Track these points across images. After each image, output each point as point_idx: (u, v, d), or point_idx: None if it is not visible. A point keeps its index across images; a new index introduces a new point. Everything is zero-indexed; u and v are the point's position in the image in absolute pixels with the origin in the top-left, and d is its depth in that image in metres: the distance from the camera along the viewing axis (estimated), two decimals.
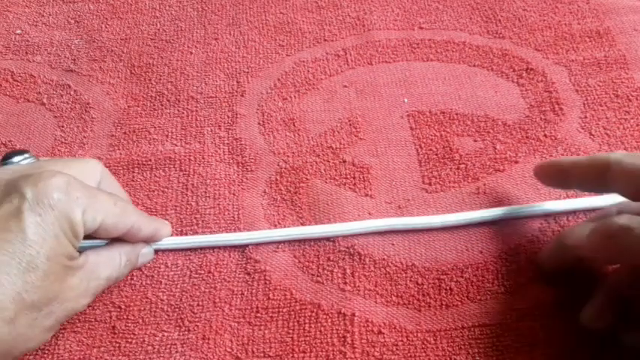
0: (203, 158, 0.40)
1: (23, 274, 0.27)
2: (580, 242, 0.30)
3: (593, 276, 0.33)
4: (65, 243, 0.28)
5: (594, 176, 0.31)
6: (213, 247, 0.36)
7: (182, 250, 0.36)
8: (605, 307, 0.30)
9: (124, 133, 0.42)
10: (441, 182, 0.38)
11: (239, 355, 0.32)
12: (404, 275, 0.34)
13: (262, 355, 0.32)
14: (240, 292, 0.34)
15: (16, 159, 0.33)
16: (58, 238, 0.28)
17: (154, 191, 0.38)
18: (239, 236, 0.36)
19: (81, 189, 0.29)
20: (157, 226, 0.35)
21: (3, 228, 0.27)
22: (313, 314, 0.33)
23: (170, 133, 0.42)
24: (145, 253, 0.35)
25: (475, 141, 0.40)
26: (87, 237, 0.30)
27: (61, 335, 0.32)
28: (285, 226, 0.36)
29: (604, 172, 0.30)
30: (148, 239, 0.34)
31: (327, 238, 0.35)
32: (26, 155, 0.33)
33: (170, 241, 0.36)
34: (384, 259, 0.35)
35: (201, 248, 0.36)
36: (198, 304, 0.34)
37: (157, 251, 0.35)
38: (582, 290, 0.33)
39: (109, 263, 0.32)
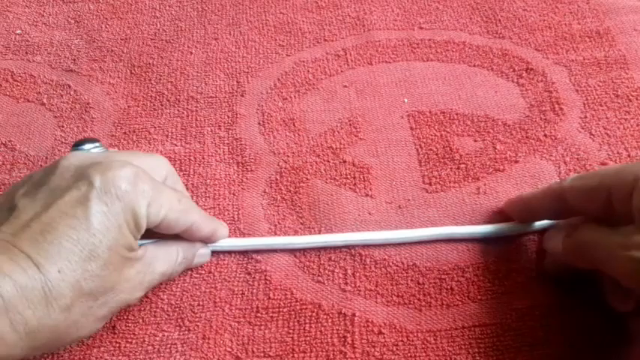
0: (203, 158, 0.40)
1: (84, 262, 0.27)
2: (557, 250, 0.31)
3: (592, 275, 0.33)
4: (127, 234, 0.28)
5: (555, 204, 0.31)
6: (268, 250, 0.35)
7: (237, 252, 0.35)
8: (626, 291, 0.30)
9: (124, 133, 0.42)
10: (441, 182, 0.38)
11: (239, 354, 0.32)
12: (405, 275, 0.34)
13: (262, 354, 0.32)
14: (240, 292, 0.34)
15: (87, 147, 0.33)
16: (122, 229, 0.28)
17: None
18: (296, 240, 0.35)
19: (148, 182, 0.29)
20: (215, 227, 0.34)
21: (69, 214, 0.27)
22: (314, 314, 0.33)
23: (170, 133, 0.41)
24: (203, 253, 0.34)
25: (475, 141, 0.40)
26: (146, 233, 0.30)
27: None
28: (284, 226, 0.36)
29: (561, 199, 0.31)
30: (207, 239, 0.34)
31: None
32: (97, 144, 0.33)
33: (226, 243, 0.35)
34: (384, 259, 0.35)
35: (255, 251, 0.35)
36: (198, 304, 0.34)
37: (213, 252, 0.35)
38: (582, 289, 0.33)
39: (165, 259, 0.32)
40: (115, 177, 0.28)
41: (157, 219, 0.30)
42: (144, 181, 0.29)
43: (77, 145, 0.33)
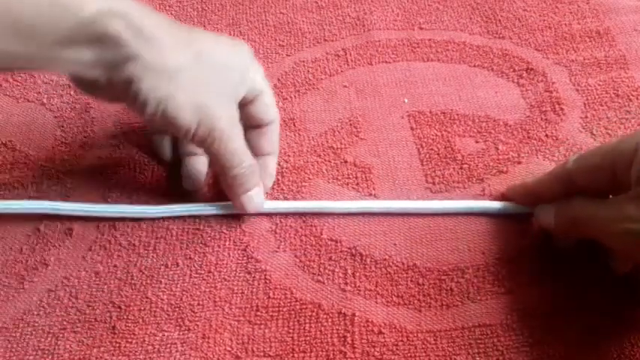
0: None
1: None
2: (550, 226, 0.33)
3: (592, 274, 0.33)
4: (236, 79, 0.34)
5: (562, 188, 0.32)
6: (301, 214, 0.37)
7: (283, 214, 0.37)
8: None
9: (125, 133, 0.42)
10: (444, 182, 0.38)
11: (239, 354, 0.32)
12: (405, 275, 0.34)
13: (262, 354, 0.32)
14: (240, 292, 0.34)
15: None
16: (233, 70, 0.34)
17: None
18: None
19: (260, 66, 0.36)
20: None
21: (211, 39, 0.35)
22: (314, 314, 0.33)
23: None
24: (257, 192, 0.36)
25: (477, 142, 0.40)
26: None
27: (61, 335, 0.32)
28: (286, 225, 0.36)
29: (568, 181, 0.32)
30: (267, 157, 0.37)
31: (331, 238, 0.35)
32: None
33: (270, 205, 0.37)
34: (385, 259, 0.35)
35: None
36: (198, 304, 0.33)
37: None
38: (581, 289, 0.33)
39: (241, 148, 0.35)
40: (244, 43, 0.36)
41: (260, 87, 0.35)
42: (258, 63, 0.36)
43: None
